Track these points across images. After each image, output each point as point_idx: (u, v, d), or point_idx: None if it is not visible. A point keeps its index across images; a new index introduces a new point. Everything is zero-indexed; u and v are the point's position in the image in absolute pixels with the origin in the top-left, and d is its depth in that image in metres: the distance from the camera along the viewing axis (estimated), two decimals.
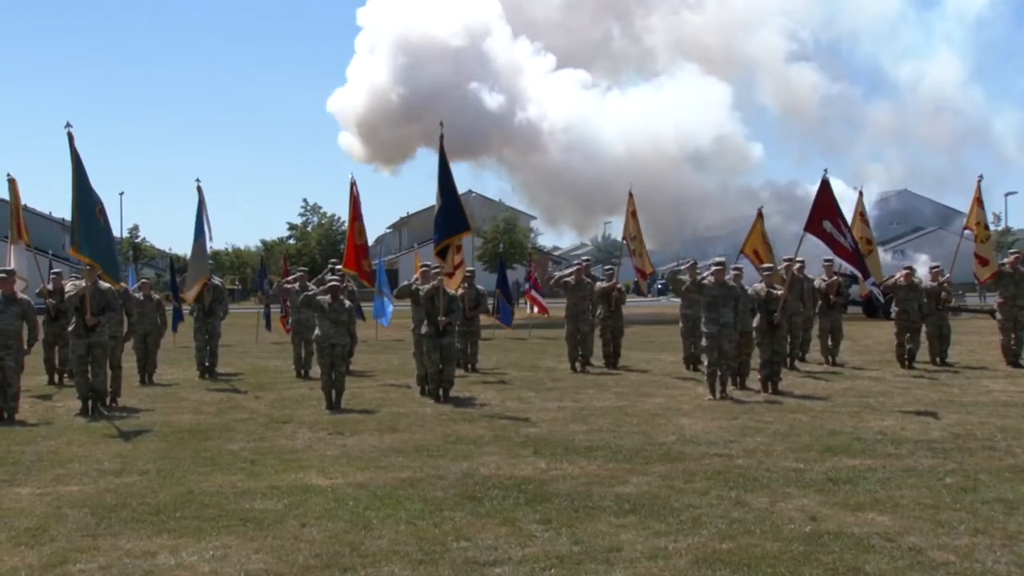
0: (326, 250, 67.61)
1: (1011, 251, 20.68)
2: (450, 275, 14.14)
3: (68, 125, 12.31)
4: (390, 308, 20.81)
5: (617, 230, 52.28)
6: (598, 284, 18.45)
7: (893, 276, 18.60)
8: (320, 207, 77.03)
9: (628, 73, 51.22)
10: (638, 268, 18.95)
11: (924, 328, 18.19)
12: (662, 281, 60.91)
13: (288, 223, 77.46)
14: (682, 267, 16.85)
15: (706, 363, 13.76)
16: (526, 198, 48.98)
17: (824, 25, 60.82)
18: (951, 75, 62.80)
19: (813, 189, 14.90)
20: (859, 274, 15.02)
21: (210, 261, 18.95)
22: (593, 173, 42.66)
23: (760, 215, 16.99)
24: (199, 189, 17.11)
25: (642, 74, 49.90)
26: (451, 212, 14.08)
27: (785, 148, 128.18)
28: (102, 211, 12.67)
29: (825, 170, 14.51)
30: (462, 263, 14.69)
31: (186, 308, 21.60)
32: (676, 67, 49.47)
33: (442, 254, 14.05)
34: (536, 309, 25.92)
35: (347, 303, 13.64)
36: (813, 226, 14.15)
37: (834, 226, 14.10)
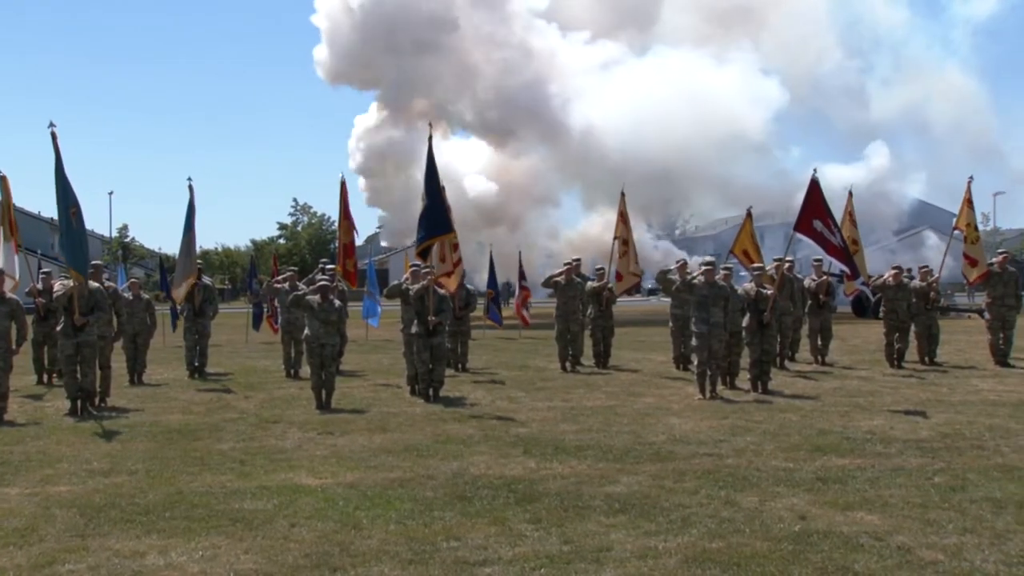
0: (316, 250, 67.57)
1: (1000, 251, 20.74)
2: (449, 274, 14.11)
3: (51, 124, 12.26)
4: (379, 308, 20.81)
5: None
6: (588, 284, 18.45)
7: (882, 275, 18.64)
8: (310, 207, 77.04)
9: (662, 44, 49.91)
10: (618, 271, 18.68)
11: (913, 328, 18.25)
12: (651, 281, 60.83)
13: (278, 223, 77.43)
14: (672, 267, 16.83)
15: (696, 363, 13.78)
16: (565, 182, 47.75)
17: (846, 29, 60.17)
18: (961, 86, 62.95)
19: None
20: (848, 272, 15.10)
21: (199, 261, 18.87)
22: (633, 159, 42.17)
23: (749, 215, 17.01)
24: (190, 188, 17.07)
25: (683, 47, 48.33)
26: (436, 213, 14.08)
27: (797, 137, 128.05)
28: (76, 212, 12.56)
29: (815, 170, 14.56)
30: (460, 262, 14.66)
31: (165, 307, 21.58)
32: (733, 46, 48.36)
33: (424, 254, 14.05)
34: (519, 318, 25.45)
35: (337, 303, 13.62)
36: (803, 226, 14.21)
37: (824, 225, 14.16)
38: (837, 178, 42.85)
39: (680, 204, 50.91)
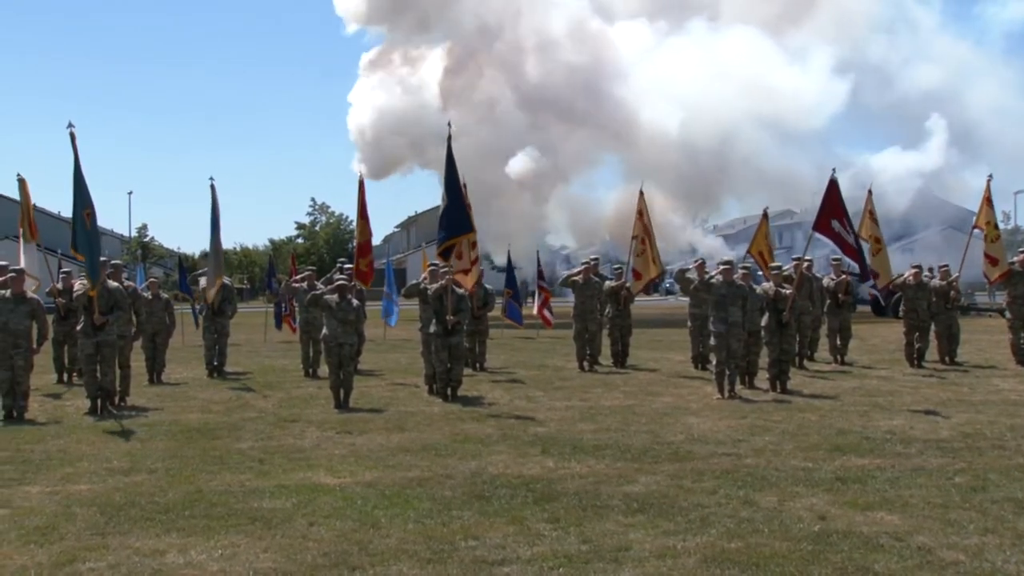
0: (334, 249, 67.72)
1: (1021, 250, 20.57)
2: (466, 272, 14.08)
3: (70, 125, 12.33)
4: (395, 308, 20.87)
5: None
6: (607, 283, 18.42)
7: (902, 275, 18.54)
8: (328, 206, 77.17)
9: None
10: (635, 269, 18.58)
11: (933, 327, 18.16)
12: (670, 280, 60.59)
13: (296, 222, 77.74)
14: (690, 266, 16.79)
15: (714, 362, 13.74)
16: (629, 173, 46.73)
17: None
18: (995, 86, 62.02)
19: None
20: (860, 273, 15.09)
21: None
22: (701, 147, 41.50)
23: (765, 216, 16.93)
24: (212, 188, 17.10)
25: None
26: (456, 212, 14.05)
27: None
28: (91, 214, 12.60)
29: (833, 170, 14.51)
30: (478, 260, 14.60)
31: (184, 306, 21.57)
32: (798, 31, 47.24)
33: (445, 254, 14.02)
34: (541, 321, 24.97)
35: (355, 302, 13.64)
36: (822, 226, 14.18)
37: (841, 226, 14.14)
38: (904, 167, 42.04)
39: (724, 196, 49.68)
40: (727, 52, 43.95)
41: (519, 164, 41.96)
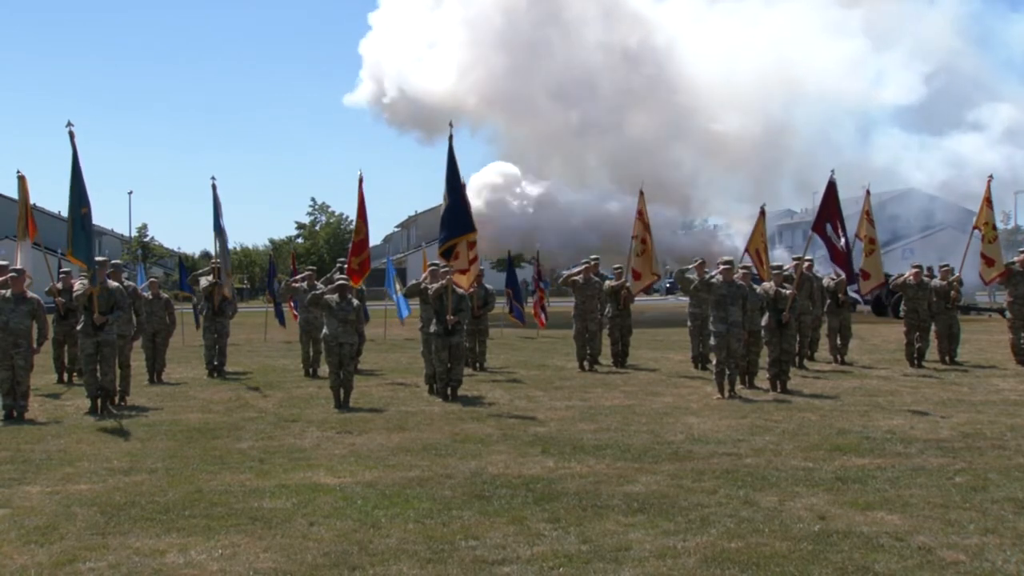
0: (334, 249, 67.61)
1: (1021, 249, 20.56)
2: (464, 271, 14.06)
3: (69, 124, 12.31)
4: (401, 304, 20.98)
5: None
6: (607, 283, 18.41)
7: (902, 274, 18.53)
8: (328, 206, 76.96)
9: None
10: (634, 268, 18.49)
11: (933, 327, 18.15)
12: (670, 280, 60.56)
13: (296, 222, 77.53)
14: (690, 266, 16.76)
15: (714, 362, 13.74)
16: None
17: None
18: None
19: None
20: (844, 278, 15.18)
21: (216, 261, 18.91)
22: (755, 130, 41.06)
23: (763, 213, 16.90)
24: (214, 187, 17.09)
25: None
26: (457, 212, 14.01)
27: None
28: (87, 213, 12.56)
29: (832, 171, 14.52)
30: (476, 259, 14.56)
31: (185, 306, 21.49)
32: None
33: (446, 254, 13.97)
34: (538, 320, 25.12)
35: (355, 302, 13.63)
36: (819, 227, 14.23)
37: (833, 229, 14.21)
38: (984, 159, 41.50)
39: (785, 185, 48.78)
40: (790, 30, 43.08)
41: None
